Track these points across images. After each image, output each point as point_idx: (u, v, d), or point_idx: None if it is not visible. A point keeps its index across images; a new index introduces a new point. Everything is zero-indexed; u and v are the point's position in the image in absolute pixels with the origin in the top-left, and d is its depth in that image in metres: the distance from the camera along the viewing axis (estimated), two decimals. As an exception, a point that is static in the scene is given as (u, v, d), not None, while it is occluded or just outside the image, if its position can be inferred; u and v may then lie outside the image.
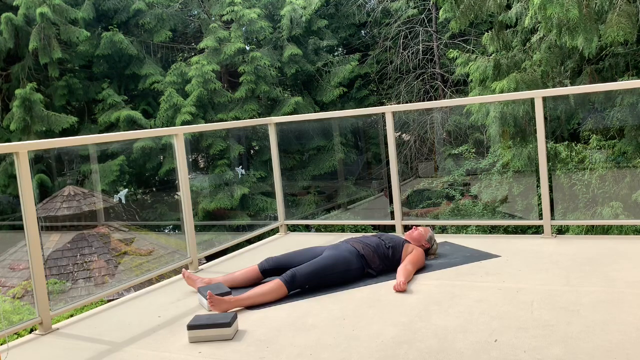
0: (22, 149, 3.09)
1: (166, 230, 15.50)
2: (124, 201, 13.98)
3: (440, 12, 10.43)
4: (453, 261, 3.84)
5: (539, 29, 9.16)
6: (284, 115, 13.85)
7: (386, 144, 4.85)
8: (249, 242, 5.15)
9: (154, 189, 16.55)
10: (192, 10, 16.45)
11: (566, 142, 9.86)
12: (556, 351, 2.41)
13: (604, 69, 9.48)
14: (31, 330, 3.24)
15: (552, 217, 4.54)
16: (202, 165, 16.49)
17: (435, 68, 15.20)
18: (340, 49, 17.68)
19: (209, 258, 4.72)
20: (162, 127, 13.96)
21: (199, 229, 12.30)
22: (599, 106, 9.36)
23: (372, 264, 3.63)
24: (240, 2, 14.88)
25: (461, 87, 14.41)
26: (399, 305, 3.09)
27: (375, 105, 15.66)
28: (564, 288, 3.14)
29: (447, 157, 13.60)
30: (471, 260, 3.83)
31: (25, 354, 2.89)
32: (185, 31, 16.89)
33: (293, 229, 5.55)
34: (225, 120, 14.27)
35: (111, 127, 14.43)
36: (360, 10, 16.09)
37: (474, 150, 12.71)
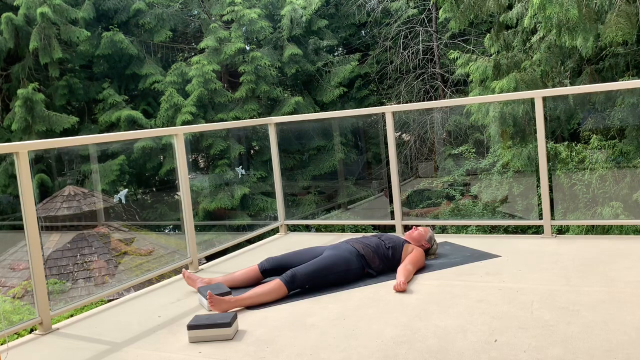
0: (22, 149, 3.09)
1: (166, 230, 15.50)
2: (124, 201, 13.98)
3: (440, 12, 10.44)
4: (453, 261, 3.84)
5: (539, 29, 9.16)
6: (284, 115, 13.85)
7: (386, 144, 4.85)
8: (249, 242, 5.15)
9: (154, 189, 16.55)
10: (192, 10, 16.45)
11: (566, 142, 9.87)
12: (556, 351, 2.41)
13: (604, 69, 9.48)
14: (31, 330, 3.24)
15: (552, 217, 4.54)
16: (202, 165, 16.49)
17: (435, 68, 15.20)
18: (340, 49, 17.68)
19: (209, 258, 4.72)
20: (162, 127, 13.96)
21: (199, 229, 12.32)
22: (599, 106, 9.36)
23: (372, 264, 3.63)
24: (240, 2, 14.88)
25: (461, 87, 14.41)
26: (399, 305, 3.09)
27: (375, 105, 15.65)
28: (564, 288, 3.14)
29: (447, 157, 13.60)
30: (471, 260, 3.83)
31: (25, 354, 2.89)
32: (186, 31, 16.90)
33: (293, 229, 5.56)
34: (226, 120, 14.28)
35: (112, 127, 14.43)
36: (360, 10, 16.08)
37: (474, 150, 12.71)
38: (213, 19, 15.80)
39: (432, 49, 15.25)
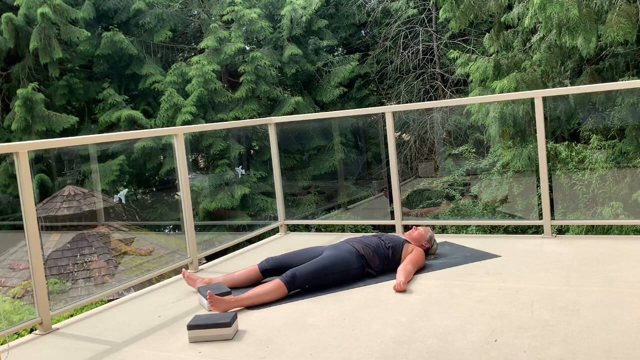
0: (22, 149, 3.09)
1: (166, 230, 15.50)
2: (124, 201, 13.98)
3: (440, 12, 10.44)
4: (453, 261, 3.84)
5: (539, 29, 9.16)
6: (284, 115, 13.85)
7: (386, 144, 4.85)
8: (249, 242, 5.15)
9: (154, 189, 16.55)
10: (192, 10, 16.45)
11: (566, 142, 9.87)
12: (556, 351, 2.41)
13: (604, 69, 9.48)
14: (31, 330, 3.24)
15: (552, 217, 4.53)
16: (202, 165, 16.49)
17: (435, 68, 15.20)
18: (340, 49, 17.68)
19: (209, 258, 4.72)
20: (162, 127, 13.96)
21: (199, 229, 12.31)
22: (599, 106, 9.36)
23: (372, 264, 3.63)
24: (240, 2, 14.88)
25: (461, 87, 14.41)
26: (399, 305, 3.09)
27: (375, 105, 15.66)
28: (564, 288, 3.14)
29: (447, 157, 13.61)
30: (471, 260, 3.83)
31: (25, 354, 2.89)
32: (186, 31, 16.90)
33: (293, 229, 5.56)
34: (226, 120, 14.28)
35: (112, 127, 14.44)
36: (360, 10, 16.09)
37: (474, 150, 12.71)
38: (213, 19, 15.80)
39: (432, 49, 15.24)
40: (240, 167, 14.61)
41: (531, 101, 8.26)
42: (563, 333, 2.57)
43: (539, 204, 6.33)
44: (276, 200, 5.33)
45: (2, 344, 3.04)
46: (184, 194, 4.17)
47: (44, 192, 13.28)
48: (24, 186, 3.08)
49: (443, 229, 9.52)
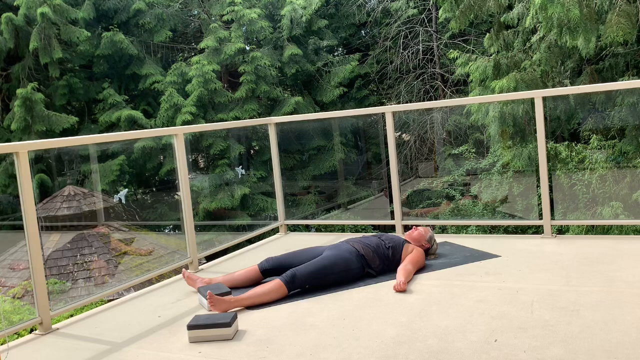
0: (22, 149, 3.09)
1: (166, 230, 15.49)
2: (124, 201, 13.98)
3: (440, 12, 10.45)
4: (453, 261, 3.84)
5: (539, 29, 9.17)
6: (284, 115, 13.85)
7: (386, 144, 4.85)
8: (249, 242, 5.15)
9: (154, 189, 16.55)
10: (192, 10, 16.46)
11: (566, 142, 9.87)
12: (556, 351, 2.41)
13: (604, 69, 9.48)
14: (31, 330, 3.24)
15: (552, 217, 4.53)
16: (202, 165, 16.49)
17: (435, 68, 15.20)
18: (340, 49, 17.68)
19: (209, 258, 4.72)
20: (162, 127, 13.96)
21: (199, 229, 12.31)
22: (599, 106, 9.36)
23: (372, 264, 3.63)
24: (240, 2, 14.88)
25: (461, 87, 14.41)
26: (399, 305, 3.09)
27: (375, 105, 15.66)
28: (564, 288, 3.14)
29: (447, 157, 13.61)
30: (471, 260, 3.83)
31: (25, 354, 2.89)
32: (186, 31, 16.90)
33: (293, 229, 5.55)
34: (226, 120, 14.28)
35: (112, 127, 14.44)
36: (360, 10, 16.09)
37: (474, 150, 12.71)
38: (213, 19, 15.80)
39: (432, 49, 15.25)
40: (240, 167, 14.61)
41: (531, 101, 8.26)
42: (563, 333, 2.57)
43: (539, 204, 6.33)
44: (276, 200, 5.33)
45: (2, 344, 3.04)
46: (184, 194, 4.17)
47: (44, 192, 13.28)
48: (24, 186, 3.08)
49: (443, 229, 9.52)
